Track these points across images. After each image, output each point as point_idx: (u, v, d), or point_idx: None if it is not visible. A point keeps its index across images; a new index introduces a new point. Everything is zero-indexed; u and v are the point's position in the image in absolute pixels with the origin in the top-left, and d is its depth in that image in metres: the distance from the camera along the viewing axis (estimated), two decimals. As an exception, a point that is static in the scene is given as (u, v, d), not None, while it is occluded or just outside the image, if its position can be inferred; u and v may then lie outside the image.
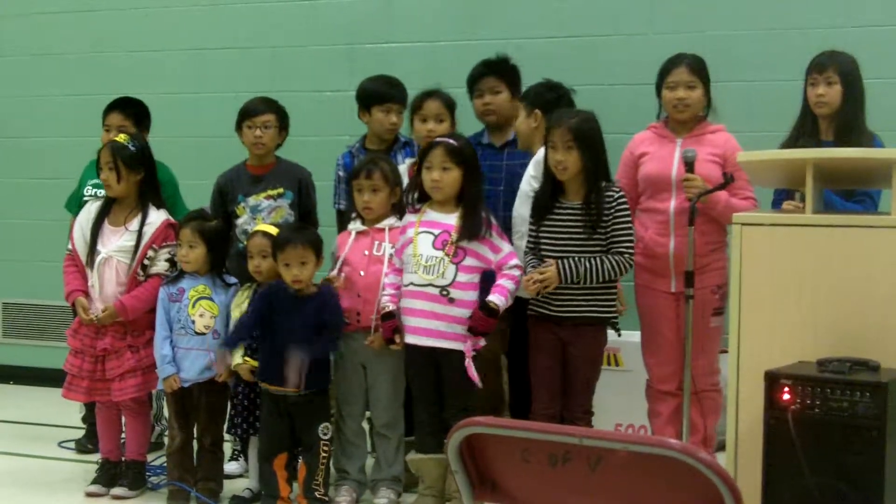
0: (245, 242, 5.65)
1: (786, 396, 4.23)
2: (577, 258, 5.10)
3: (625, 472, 2.65)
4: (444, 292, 5.15)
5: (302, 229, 5.48)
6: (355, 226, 5.49)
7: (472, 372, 5.11)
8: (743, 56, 6.52)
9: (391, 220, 5.44)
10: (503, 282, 5.16)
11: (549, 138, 5.17)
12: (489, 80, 5.98)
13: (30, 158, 8.22)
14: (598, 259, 5.10)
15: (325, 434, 5.27)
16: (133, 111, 6.40)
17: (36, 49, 8.19)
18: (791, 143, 5.34)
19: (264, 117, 5.87)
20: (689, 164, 5.30)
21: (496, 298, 5.13)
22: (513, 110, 5.91)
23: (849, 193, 5.20)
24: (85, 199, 6.14)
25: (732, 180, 5.23)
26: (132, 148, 5.62)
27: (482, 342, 5.17)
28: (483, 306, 5.13)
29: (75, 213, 6.07)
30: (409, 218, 5.33)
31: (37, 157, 8.19)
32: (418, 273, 5.19)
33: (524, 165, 5.69)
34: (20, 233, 8.24)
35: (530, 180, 5.47)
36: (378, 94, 6.02)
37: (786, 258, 4.60)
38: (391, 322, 5.25)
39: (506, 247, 5.22)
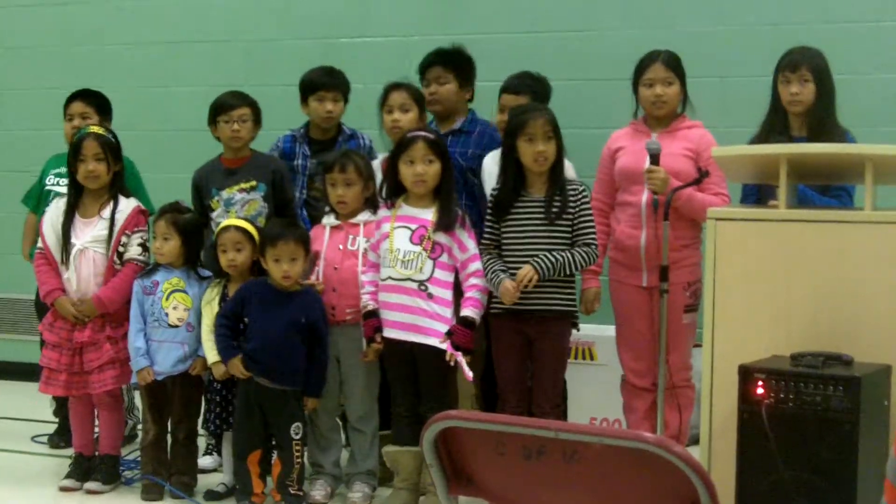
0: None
1: (759, 390, 4.25)
2: (546, 253, 5.12)
3: (599, 465, 2.66)
4: (423, 287, 5.16)
5: (292, 225, 5.46)
6: (329, 220, 5.49)
7: (467, 369, 5.11)
8: (716, 52, 6.54)
9: (365, 215, 5.43)
10: (473, 293, 5.18)
11: (523, 130, 5.16)
12: (436, 69, 5.96)
13: (1, 151, 8.16)
14: (567, 252, 5.13)
15: (296, 434, 5.26)
16: (95, 101, 6.39)
17: (7, 42, 8.15)
18: (761, 139, 5.34)
19: (240, 111, 5.85)
20: (653, 157, 5.30)
21: (472, 312, 5.16)
22: (459, 101, 5.95)
23: (824, 189, 5.22)
24: (47, 188, 6.13)
25: (707, 175, 5.24)
26: (114, 140, 5.64)
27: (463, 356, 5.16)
28: (461, 321, 5.15)
29: (33, 208, 6.05)
30: (384, 212, 5.33)
31: (7, 150, 8.14)
32: (395, 268, 5.19)
33: (464, 154, 5.78)
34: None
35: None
36: (311, 82, 6.07)
37: (760, 253, 4.62)
38: (373, 321, 5.25)
39: (471, 246, 5.22)
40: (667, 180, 5.25)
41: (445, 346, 5.11)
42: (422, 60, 6.05)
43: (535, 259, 5.10)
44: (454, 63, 5.99)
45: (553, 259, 5.10)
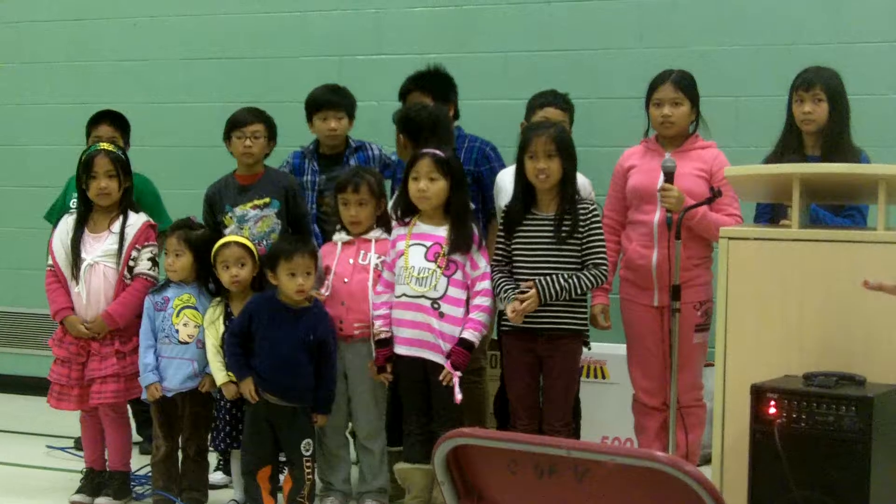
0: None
1: (772, 410, 4.24)
2: (553, 276, 5.12)
3: (611, 484, 2.65)
4: (436, 305, 5.16)
5: (303, 240, 5.48)
6: (341, 237, 5.49)
7: (457, 391, 5.12)
8: (730, 71, 6.54)
9: (377, 233, 5.44)
10: (476, 315, 5.19)
11: (527, 148, 5.19)
12: (415, 95, 5.96)
13: (16, 166, 8.19)
14: (574, 276, 5.13)
15: (306, 450, 5.25)
16: (120, 123, 6.42)
17: (24, 57, 8.17)
18: (776, 158, 5.33)
19: (253, 127, 5.86)
20: (667, 175, 5.30)
21: (471, 335, 5.17)
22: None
23: (837, 208, 5.21)
24: (71, 210, 6.14)
25: (720, 195, 5.23)
26: (124, 157, 5.66)
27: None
28: (460, 342, 5.16)
29: (55, 224, 6.07)
30: (399, 230, 5.33)
31: (23, 164, 8.16)
32: (410, 285, 5.19)
33: None
34: (4, 240, 8.21)
35: None
36: (315, 101, 6.11)
37: (772, 272, 4.61)
38: (385, 350, 5.26)
39: (482, 265, 5.23)
40: (681, 199, 5.24)
41: (446, 364, 5.13)
42: (401, 86, 6.06)
43: (541, 281, 5.10)
44: (433, 86, 5.98)
45: (559, 286, 5.10)
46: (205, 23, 7.75)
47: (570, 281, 5.11)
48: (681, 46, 6.58)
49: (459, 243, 5.19)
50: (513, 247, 5.26)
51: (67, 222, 5.67)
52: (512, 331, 5.25)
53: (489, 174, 5.87)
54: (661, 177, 5.33)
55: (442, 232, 5.24)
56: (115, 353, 5.54)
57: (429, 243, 5.23)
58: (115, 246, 5.56)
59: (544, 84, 6.01)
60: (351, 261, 5.41)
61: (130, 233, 5.58)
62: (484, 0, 7.09)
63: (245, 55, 7.62)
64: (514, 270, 5.24)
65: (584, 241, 5.17)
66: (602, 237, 5.24)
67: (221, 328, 5.39)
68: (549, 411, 5.25)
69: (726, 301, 4.68)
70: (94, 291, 5.55)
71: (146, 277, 5.59)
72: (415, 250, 5.24)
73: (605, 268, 5.20)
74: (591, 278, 5.15)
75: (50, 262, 5.65)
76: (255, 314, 5.28)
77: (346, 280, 5.39)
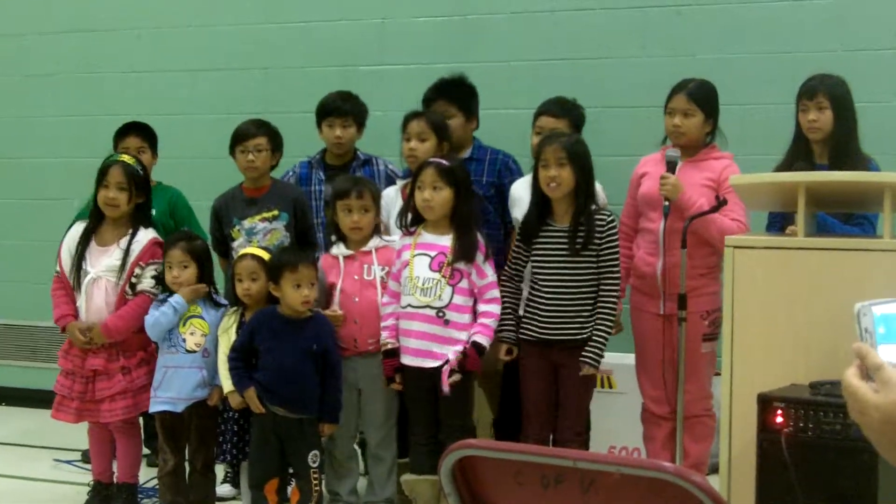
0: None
1: (779, 419, 4.23)
2: (593, 347, 5.15)
3: (618, 494, 2.64)
4: (440, 314, 5.16)
5: (305, 251, 5.48)
6: (340, 250, 5.47)
7: (445, 381, 5.11)
8: (735, 79, 6.52)
9: (376, 241, 5.43)
10: (485, 321, 5.19)
11: (540, 157, 5.19)
12: (440, 104, 5.94)
13: (21, 179, 8.18)
14: (599, 328, 5.15)
15: (314, 462, 5.24)
16: (148, 134, 6.42)
17: (29, 69, 8.18)
18: (785, 166, 5.32)
19: (256, 140, 5.86)
20: (669, 164, 5.30)
21: (482, 339, 5.17)
22: (466, 133, 5.91)
23: (847, 217, 5.20)
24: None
25: (725, 203, 5.22)
26: (141, 172, 5.65)
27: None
28: (473, 345, 5.17)
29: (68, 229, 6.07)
30: (405, 240, 5.33)
31: (28, 177, 8.16)
32: (415, 295, 5.19)
33: (478, 182, 5.74)
34: (11, 253, 8.22)
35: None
36: (323, 108, 6.10)
37: (778, 281, 4.61)
38: (393, 360, 5.26)
39: (490, 274, 5.23)
40: (678, 186, 5.25)
41: (449, 364, 5.13)
42: (424, 94, 6.05)
43: (587, 357, 5.14)
44: (459, 95, 5.97)
45: (601, 348, 5.16)
46: (209, 34, 7.76)
47: (601, 330, 5.16)
48: (685, 55, 6.57)
49: (464, 252, 5.19)
50: (532, 257, 5.26)
51: (77, 230, 5.66)
52: (529, 341, 5.26)
53: (511, 186, 5.85)
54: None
55: (446, 241, 5.24)
56: (121, 369, 5.53)
57: (433, 253, 5.23)
58: (120, 262, 5.54)
59: (549, 93, 6.00)
60: (356, 277, 5.40)
61: (136, 249, 5.56)
62: (488, 9, 7.10)
63: (249, 66, 7.63)
64: (533, 281, 5.25)
65: (601, 252, 5.17)
66: (617, 252, 5.22)
67: (233, 337, 5.38)
68: (562, 421, 5.26)
69: (732, 310, 4.67)
70: (95, 306, 5.53)
71: (149, 294, 5.56)
72: (419, 260, 5.24)
73: (617, 282, 5.20)
74: (610, 304, 5.17)
75: (57, 268, 5.64)
76: (257, 330, 5.27)
77: (356, 299, 5.38)
